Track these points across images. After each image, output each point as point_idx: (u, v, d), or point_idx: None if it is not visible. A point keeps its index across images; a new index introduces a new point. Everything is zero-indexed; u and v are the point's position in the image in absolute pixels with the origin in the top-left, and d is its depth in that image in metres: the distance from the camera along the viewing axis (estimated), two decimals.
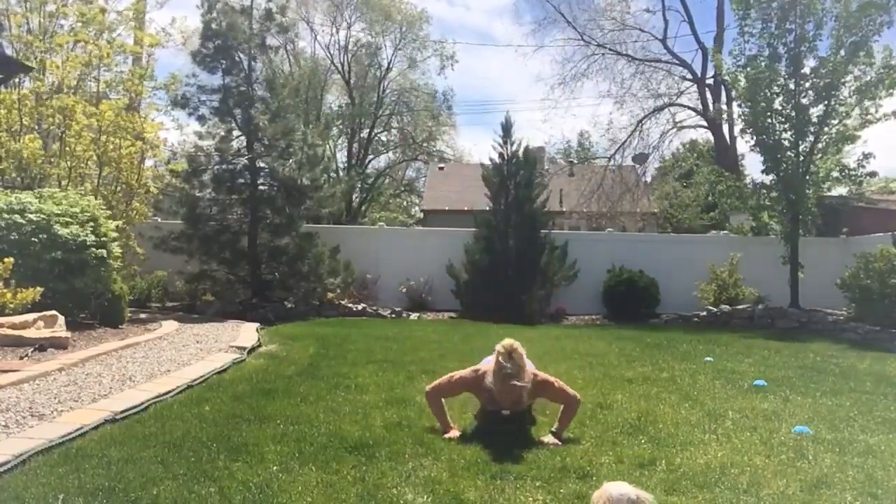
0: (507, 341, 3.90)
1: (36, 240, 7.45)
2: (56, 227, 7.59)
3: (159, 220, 13.03)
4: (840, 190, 12.79)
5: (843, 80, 11.19)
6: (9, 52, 11.32)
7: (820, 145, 11.57)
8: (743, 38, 11.83)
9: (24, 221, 7.48)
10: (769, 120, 11.66)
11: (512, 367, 3.82)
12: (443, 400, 4.15)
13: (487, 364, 4.07)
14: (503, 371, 3.82)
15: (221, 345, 7.17)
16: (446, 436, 3.92)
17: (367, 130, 31.84)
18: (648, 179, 24.88)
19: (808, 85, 11.47)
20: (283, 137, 11.81)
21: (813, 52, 11.46)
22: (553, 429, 3.96)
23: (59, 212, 7.83)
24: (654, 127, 22.26)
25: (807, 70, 11.48)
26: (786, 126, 11.63)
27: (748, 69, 11.68)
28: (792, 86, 11.51)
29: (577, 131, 37.80)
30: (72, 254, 7.66)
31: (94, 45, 11.33)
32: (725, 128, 21.58)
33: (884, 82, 10.87)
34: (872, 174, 11.87)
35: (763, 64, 11.55)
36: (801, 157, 11.60)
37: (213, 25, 11.64)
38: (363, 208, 31.50)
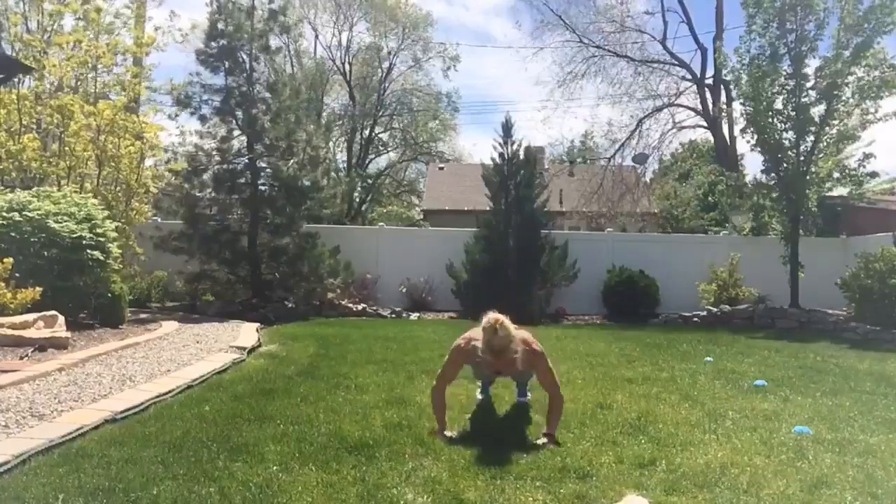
0: (492, 316, 3.88)
1: (35, 239, 7.45)
2: (50, 221, 7.59)
3: (159, 220, 13.02)
4: (841, 190, 12.77)
5: (845, 82, 11.18)
6: (8, 52, 11.32)
7: (821, 145, 11.56)
8: (749, 37, 11.83)
9: (22, 220, 7.49)
10: (770, 119, 11.67)
11: (499, 342, 3.82)
12: (445, 394, 4.13)
13: (478, 333, 4.03)
14: (491, 344, 3.84)
15: (221, 345, 7.17)
16: (439, 435, 3.89)
17: (368, 130, 31.86)
18: (648, 179, 24.89)
19: (809, 85, 11.47)
20: (284, 139, 11.80)
21: (814, 53, 11.45)
22: (544, 430, 3.95)
23: (56, 210, 7.84)
24: (653, 127, 22.27)
25: (808, 70, 11.48)
26: (787, 126, 11.63)
27: (751, 67, 11.68)
28: (792, 85, 11.50)
29: (578, 132, 37.80)
30: (69, 252, 7.66)
31: (91, 46, 11.32)
32: (725, 128, 21.57)
33: (886, 83, 10.84)
34: (873, 174, 11.85)
35: (765, 63, 11.55)
36: (802, 158, 11.60)
37: (220, 25, 11.61)
38: (364, 208, 31.50)
